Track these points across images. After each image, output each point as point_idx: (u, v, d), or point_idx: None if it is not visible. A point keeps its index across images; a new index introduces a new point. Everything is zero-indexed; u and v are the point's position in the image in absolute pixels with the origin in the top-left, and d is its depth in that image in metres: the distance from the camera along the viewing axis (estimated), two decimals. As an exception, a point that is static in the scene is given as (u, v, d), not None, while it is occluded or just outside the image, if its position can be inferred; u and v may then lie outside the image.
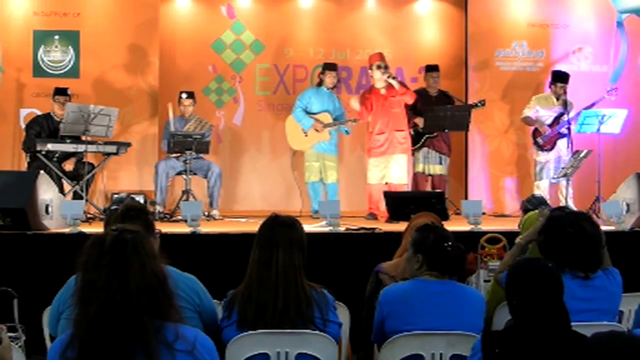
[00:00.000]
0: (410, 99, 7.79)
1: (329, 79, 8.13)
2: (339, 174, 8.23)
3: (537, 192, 7.96)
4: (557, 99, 8.19)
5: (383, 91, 7.68)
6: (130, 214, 3.31)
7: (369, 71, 7.91)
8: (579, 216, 3.45)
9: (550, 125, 8.17)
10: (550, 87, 8.33)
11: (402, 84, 7.90)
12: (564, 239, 3.31)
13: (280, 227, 3.21)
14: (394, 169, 7.68)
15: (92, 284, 2.19)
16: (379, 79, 7.71)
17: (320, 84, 8.20)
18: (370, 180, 7.78)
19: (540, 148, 8.23)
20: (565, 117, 8.04)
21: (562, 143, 8.11)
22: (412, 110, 8.15)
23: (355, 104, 7.90)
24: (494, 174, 9.18)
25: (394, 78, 7.75)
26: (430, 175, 8.28)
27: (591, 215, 3.60)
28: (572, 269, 3.28)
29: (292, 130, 8.20)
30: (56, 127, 7.66)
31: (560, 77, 8.24)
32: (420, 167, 8.25)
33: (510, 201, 9.06)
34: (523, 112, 8.41)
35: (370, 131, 7.79)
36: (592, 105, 8.20)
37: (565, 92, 8.13)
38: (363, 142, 8.53)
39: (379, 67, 7.71)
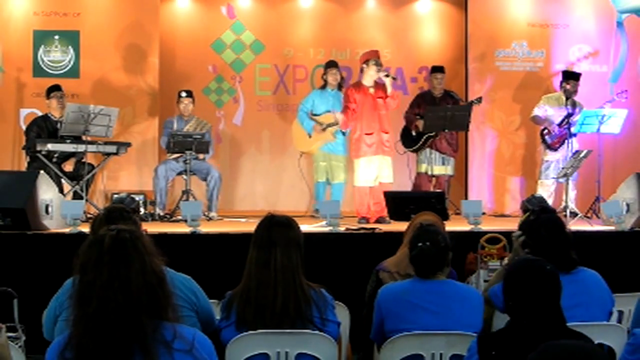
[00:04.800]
0: (394, 104, 7.59)
1: (332, 76, 8.03)
2: (347, 174, 8.11)
3: (539, 192, 7.96)
4: (567, 99, 8.21)
5: (372, 90, 7.49)
6: (113, 216, 3.35)
7: (364, 66, 7.57)
8: (546, 220, 3.53)
9: (559, 125, 8.17)
10: (561, 85, 8.35)
11: (395, 79, 7.78)
12: (536, 244, 3.45)
13: (277, 227, 3.20)
14: (385, 169, 7.51)
15: (92, 283, 2.19)
16: (372, 76, 7.48)
17: (324, 85, 8.12)
18: (359, 182, 7.53)
19: (549, 147, 8.23)
20: (575, 118, 8.05)
21: (569, 143, 8.11)
22: (417, 114, 8.13)
23: (339, 117, 7.71)
24: (494, 174, 9.18)
25: (394, 78, 7.65)
26: (433, 176, 8.21)
27: (560, 217, 3.67)
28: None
29: (297, 133, 8.18)
30: (55, 127, 7.67)
31: (573, 75, 8.29)
32: (423, 168, 8.20)
33: (511, 201, 9.06)
34: (532, 111, 8.41)
35: (355, 132, 7.53)
36: (601, 108, 8.22)
37: (576, 91, 8.17)
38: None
39: (376, 63, 7.51)
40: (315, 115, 8.03)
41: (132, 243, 2.25)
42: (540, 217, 3.54)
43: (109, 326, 2.16)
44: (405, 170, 8.29)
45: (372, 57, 7.60)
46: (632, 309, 3.90)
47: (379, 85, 7.53)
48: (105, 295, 2.17)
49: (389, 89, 7.47)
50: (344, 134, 8.08)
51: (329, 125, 7.96)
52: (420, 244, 3.41)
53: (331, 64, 8.15)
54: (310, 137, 8.04)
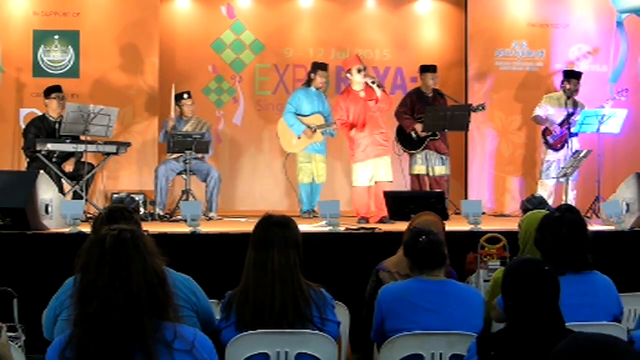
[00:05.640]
0: (387, 106, 7.61)
1: (321, 79, 8.03)
2: (327, 175, 8.22)
3: (539, 192, 7.96)
4: (569, 98, 8.23)
5: (362, 94, 7.48)
6: (115, 215, 3.36)
7: (349, 75, 7.59)
8: (563, 219, 3.50)
9: (560, 125, 8.18)
10: (562, 85, 8.36)
11: (381, 87, 7.67)
12: (555, 241, 3.40)
13: (274, 227, 3.20)
14: (382, 168, 7.50)
15: (94, 283, 2.19)
16: (359, 81, 7.48)
17: (309, 84, 8.11)
18: (357, 183, 7.55)
19: (550, 147, 8.25)
20: (576, 117, 8.06)
21: (570, 143, 8.12)
22: (411, 113, 8.13)
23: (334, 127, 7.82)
24: (494, 174, 9.18)
25: (379, 86, 7.57)
26: (433, 176, 8.20)
27: (584, 220, 3.63)
28: (566, 268, 3.31)
29: (284, 133, 8.14)
30: (53, 128, 7.68)
31: (574, 74, 8.32)
32: (421, 169, 8.17)
33: (511, 201, 9.06)
34: (534, 111, 8.42)
35: (352, 136, 7.54)
36: (602, 107, 8.23)
37: (577, 91, 8.19)
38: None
39: (359, 70, 7.49)
40: (302, 116, 8.00)
41: (134, 243, 2.25)
42: (565, 215, 3.53)
43: (110, 326, 2.16)
44: (401, 171, 8.28)
45: (354, 65, 7.58)
46: (632, 309, 3.91)
47: (369, 88, 7.51)
48: (107, 295, 2.17)
49: (378, 92, 7.43)
50: (332, 135, 8.10)
51: (319, 127, 7.95)
52: (420, 240, 3.44)
53: (323, 67, 8.14)
54: (299, 138, 8.01)
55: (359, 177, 7.53)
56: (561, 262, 3.32)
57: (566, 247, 3.38)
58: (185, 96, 8.12)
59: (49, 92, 7.81)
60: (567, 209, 3.63)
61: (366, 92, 7.50)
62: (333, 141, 8.43)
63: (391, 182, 7.59)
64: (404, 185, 8.34)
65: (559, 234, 3.42)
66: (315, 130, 7.94)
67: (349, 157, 7.80)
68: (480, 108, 8.08)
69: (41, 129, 7.68)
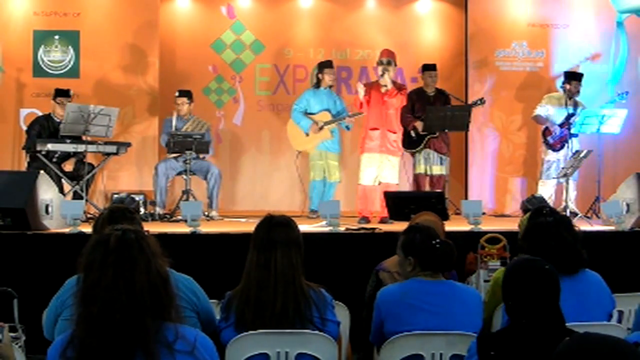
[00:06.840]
0: (397, 103, 7.62)
1: (329, 76, 8.08)
2: (341, 173, 8.22)
3: (540, 192, 7.96)
4: (570, 99, 8.23)
5: (383, 89, 7.54)
6: (116, 216, 3.36)
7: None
8: (558, 223, 3.49)
9: (560, 125, 8.19)
10: (563, 85, 8.36)
11: (399, 88, 7.65)
12: (545, 248, 3.38)
13: (276, 227, 3.20)
14: (388, 169, 7.57)
15: (97, 283, 2.19)
16: (380, 74, 7.58)
17: (318, 84, 8.15)
18: (363, 180, 7.63)
19: (550, 147, 8.25)
20: (576, 118, 8.07)
21: (570, 143, 8.13)
22: (411, 112, 8.13)
23: (360, 90, 7.71)
24: (494, 174, 9.18)
25: (384, 86, 7.55)
26: (430, 175, 8.21)
27: (570, 219, 3.64)
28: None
29: (293, 133, 8.17)
30: (57, 128, 7.66)
31: (574, 76, 8.31)
32: (422, 168, 8.19)
33: (511, 201, 9.06)
34: (534, 110, 8.43)
35: (365, 127, 7.66)
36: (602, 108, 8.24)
37: (578, 92, 8.20)
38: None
39: (380, 62, 7.63)
40: (311, 114, 8.04)
41: (138, 243, 2.25)
42: (556, 218, 3.53)
43: (112, 326, 2.16)
44: (402, 170, 8.28)
45: (380, 58, 7.72)
46: (632, 309, 3.91)
47: (393, 85, 7.56)
48: (110, 296, 2.17)
49: (389, 86, 7.48)
50: (348, 128, 8.11)
51: (326, 123, 7.97)
52: (434, 242, 3.43)
53: (328, 64, 8.18)
54: (307, 135, 8.04)
55: (363, 175, 7.57)
56: (566, 264, 3.32)
57: (551, 251, 3.36)
58: (177, 94, 8.13)
59: (56, 95, 7.80)
60: (549, 213, 3.62)
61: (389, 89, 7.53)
62: (348, 138, 8.45)
63: (396, 184, 7.62)
64: (405, 185, 8.34)
65: (561, 239, 3.41)
66: (321, 127, 7.96)
67: (359, 147, 7.79)
68: (479, 102, 8.10)
69: (45, 128, 7.68)
